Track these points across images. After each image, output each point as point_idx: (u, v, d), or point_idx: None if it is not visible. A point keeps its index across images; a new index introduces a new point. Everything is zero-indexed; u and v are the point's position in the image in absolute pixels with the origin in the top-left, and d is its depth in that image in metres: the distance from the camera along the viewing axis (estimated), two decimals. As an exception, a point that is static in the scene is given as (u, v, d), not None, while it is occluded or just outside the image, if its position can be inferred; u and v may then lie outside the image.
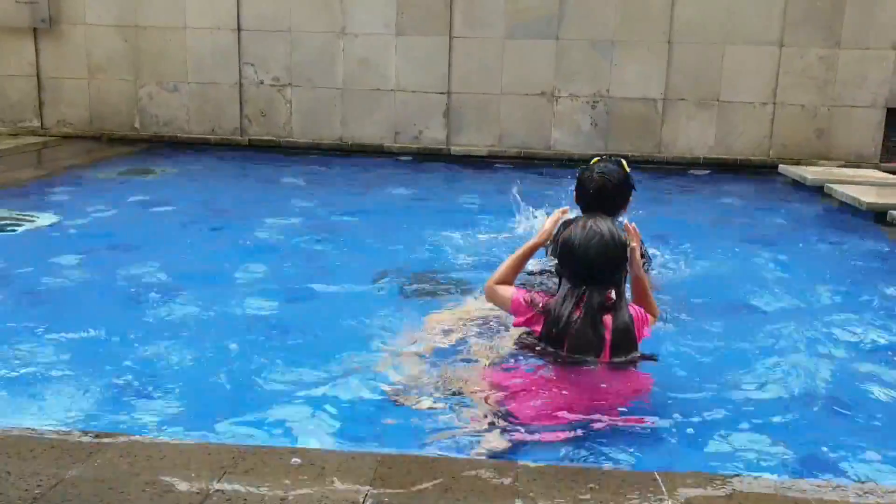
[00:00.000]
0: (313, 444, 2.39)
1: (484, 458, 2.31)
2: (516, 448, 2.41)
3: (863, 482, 2.24)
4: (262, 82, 8.39)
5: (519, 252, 2.99)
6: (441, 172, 7.62)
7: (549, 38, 7.97)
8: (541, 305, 2.78)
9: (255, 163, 7.72)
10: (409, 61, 8.18)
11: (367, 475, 2.06)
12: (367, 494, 1.97)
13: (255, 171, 7.36)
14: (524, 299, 2.82)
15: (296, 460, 2.12)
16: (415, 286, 3.97)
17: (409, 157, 8.13)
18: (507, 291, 2.88)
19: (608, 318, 2.71)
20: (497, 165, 7.95)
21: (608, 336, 2.70)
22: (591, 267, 2.69)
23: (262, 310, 3.63)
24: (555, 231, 3.10)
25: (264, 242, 4.89)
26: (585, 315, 2.70)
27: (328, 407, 2.65)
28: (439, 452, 2.33)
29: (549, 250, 3.48)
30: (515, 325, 2.89)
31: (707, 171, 7.78)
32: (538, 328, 2.78)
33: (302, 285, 4.02)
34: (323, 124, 8.40)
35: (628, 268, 2.83)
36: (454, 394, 2.73)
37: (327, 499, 1.95)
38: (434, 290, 3.92)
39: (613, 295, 2.72)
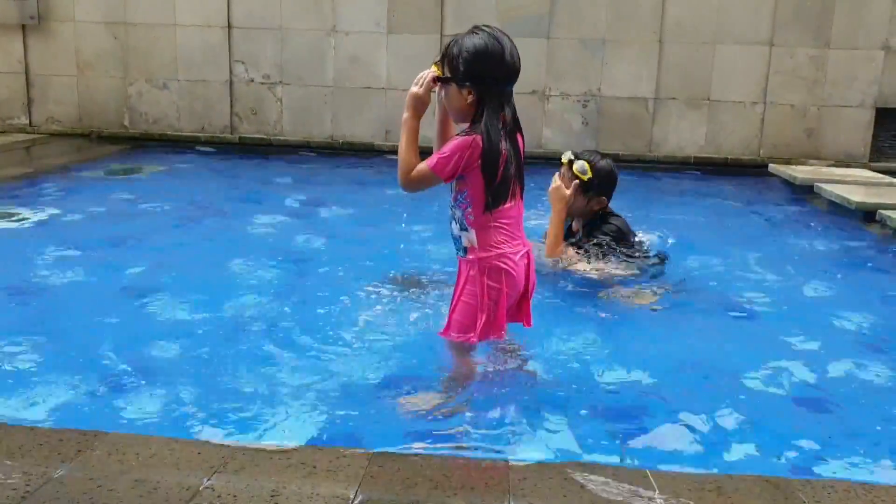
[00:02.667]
0: (303, 442, 2.37)
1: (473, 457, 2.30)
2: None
3: (854, 481, 2.25)
4: (252, 80, 8.36)
5: (407, 128, 2.83)
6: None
7: (540, 36, 7.97)
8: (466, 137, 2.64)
9: (245, 161, 7.70)
10: (400, 59, 8.17)
11: (358, 474, 2.05)
12: (356, 492, 1.96)
13: (246, 170, 7.33)
14: (442, 152, 2.67)
15: (286, 458, 2.11)
16: (407, 285, 3.96)
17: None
18: (421, 164, 2.71)
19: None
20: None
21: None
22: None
23: (253, 308, 3.61)
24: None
25: (255, 240, 4.87)
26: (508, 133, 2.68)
27: (319, 405, 2.65)
28: (430, 450, 2.32)
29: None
30: (447, 181, 2.70)
31: (697, 171, 7.81)
32: (476, 179, 2.64)
33: (293, 283, 4.01)
34: (313, 122, 8.38)
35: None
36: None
37: (318, 496, 1.94)
38: (427, 288, 3.91)
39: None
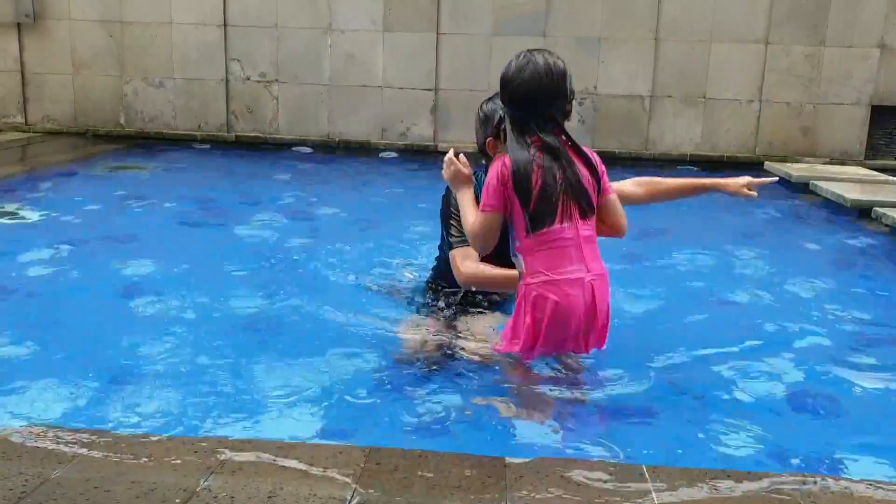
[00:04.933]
0: (301, 439, 2.38)
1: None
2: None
3: (848, 478, 2.25)
4: (248, 78, 8.35)
5: (463, 199, 2.80)
6: (429, 169, 7.60)
7: (536, 35, 7.97)
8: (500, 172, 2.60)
9: (241, 159, 7.69)
10: (396, 58, 8.17)
11: (355, 471, 2.06)
12: (354, 491, 1.97)
13: (242, 168, 7.33)
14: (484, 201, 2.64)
15: (283, 458, 2.11)
16: (403, 283, 3.96)
17: (397, 154, 8.13)
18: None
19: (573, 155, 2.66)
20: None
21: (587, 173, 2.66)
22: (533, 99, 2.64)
23: (250, 306, 3.61)
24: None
25: (252, 238, 4.87)
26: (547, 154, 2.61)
27: (315, 402, 2.65)
28: (427, 447, 2.32)
29: None
30: (505, 211, 2.63)
31: (694, 168, 7.81)
32: (514, 202, 2.60)
33: (289, 281, 4.01)
34: (310, 121, 8.37)
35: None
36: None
37: (315, 496, 1.94)
38: (420, 288, 3.91)
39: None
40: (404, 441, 2.39)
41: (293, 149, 8.18)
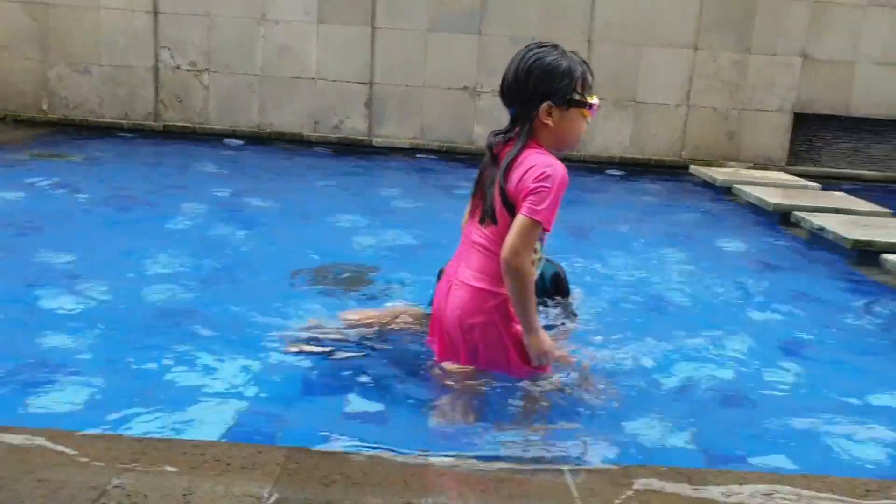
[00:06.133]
0: (218, 439, 2.33)
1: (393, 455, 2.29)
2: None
3: (763, 471, 2.32)
4: (178, 67, 8.16)
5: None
6: (362, 163, 7.56)
7: (472, 32, 8.00)
8: None
9: (169, 149, 7.51)
10: (330, 50, 8.09)
11: (274, 471, 2.02)
12: (272, 490, 1.93)
13: (170, 158, 7.16)
14: None
15: (199, 455, 2.06)
16: (332, 278, 3.92)
17: (330, 147, 8.05)
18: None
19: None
20: (420, 158, 7.94)
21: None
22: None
23: (172, 300, 3.52)
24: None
25: (177, 231, 4.75)
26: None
27: (235, 401, 2.59)
28: (350, 447, 2.30)
29: None
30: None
31: (622, 170, 7.96)
32: None
33: (215, 276, 3.93)
34: (241, 111, 8.23)
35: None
36: None
37: (231, 495, 1.90)
38: (352, 282, 3.88)
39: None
40: (327, 441, 2.35)
41: (224, 140, 8.02)
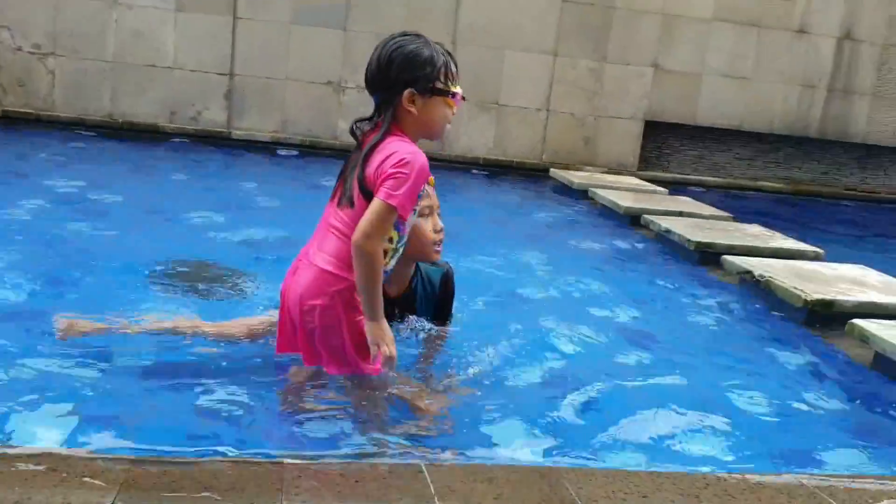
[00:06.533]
0: (56, 446, 2.18)
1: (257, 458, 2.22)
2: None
3: (615, 469, 2.40)
4: (20, 48, 7.62)
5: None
6: (220, 156, 7.32)
7: (337, 27, 7.92)
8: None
9: (9, 137, 7.00)
10: (188, 38, 7.79)
11: (118, 478, 1.91)
12: (116, 496, 1.82)
13: (8, 146, 6.67)
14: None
15: (33, 465, 1.92)
16: (184, 276, 3.77)
17: (186, 139, 7.75)
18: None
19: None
20: (281, 152, 7.79)
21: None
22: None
23: (8, 299, 3.27)
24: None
25: (16, 225, 4.42)
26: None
27: (74, 408, 2.42)
28: (202, 453, 2.21)
29: None
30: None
31: (485, 172, 8.10)
32: None
33: (55, 273, 3.67)
34: (90, 99, 7.78)
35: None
36: None
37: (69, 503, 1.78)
38: (206, 281, 3.75)
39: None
40: (176, 446, 2.25)
41: (72, 128, 7.56)
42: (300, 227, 4.31)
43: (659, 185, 7.80)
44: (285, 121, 8.06)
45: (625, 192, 7.07)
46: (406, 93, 2.55)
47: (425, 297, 3.08)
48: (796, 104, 9.00)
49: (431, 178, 2.82)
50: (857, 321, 3.63)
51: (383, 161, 2.48)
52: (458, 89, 2.64)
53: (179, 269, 3.88)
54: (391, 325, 2.63)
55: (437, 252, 2.99)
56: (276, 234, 4.74)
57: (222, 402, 2.55)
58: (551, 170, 8.18)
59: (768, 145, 9.23)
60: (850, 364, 3.61)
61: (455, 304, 3.24)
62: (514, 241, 5.32)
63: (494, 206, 6.63)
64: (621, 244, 5.66)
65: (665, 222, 5.66)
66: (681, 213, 6.19)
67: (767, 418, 2.96)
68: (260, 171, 6.97)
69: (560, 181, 7.78)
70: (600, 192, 6.91)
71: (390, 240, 2.57)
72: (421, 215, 2.86)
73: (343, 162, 2.68)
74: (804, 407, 3.08)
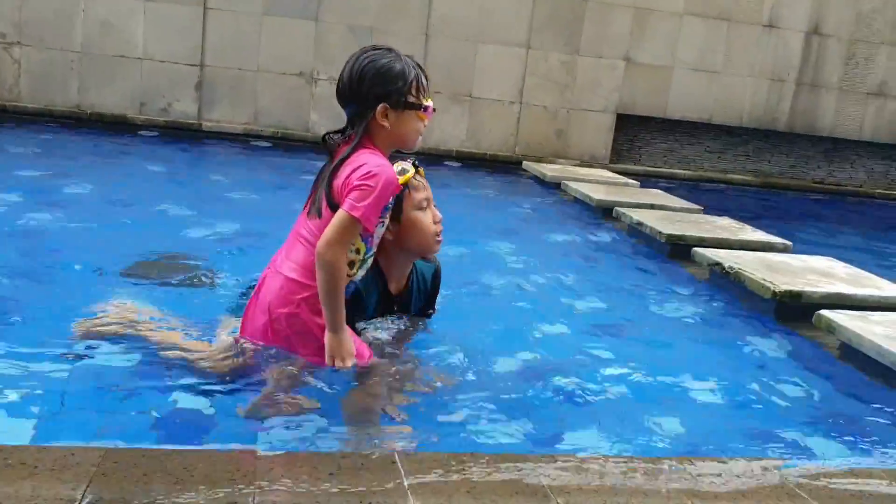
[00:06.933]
0: (24, 441, 2.15)
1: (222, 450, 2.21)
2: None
3: (587, 455, 2.42)
4: (-16, 37, 7.49)
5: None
6: (191, 148, 7.25)
7: (308, 18, 7.87)
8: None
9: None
10: (158, 29, 7.70)
11: (88, 471, 1.89)
12: (87, 490, 1.81)
13: (-27, 137, 6.56)
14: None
15: (2, 459, 1.90)
16: (153, 271, 3.73)
17: (156, 131, 7.67)
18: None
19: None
20: (253, 144, 7.73)
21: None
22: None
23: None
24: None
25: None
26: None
27: (43, 403, 2.40)
28: (172, 443, 2.20)
29: None
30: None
31: (459, 164, 8.10)
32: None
33: (21, 267, 3.62)
34: (57, 89, 7.67)
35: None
36: None
37: (39, 498, 1.76)
38: (175, 275, 3.71)
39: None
40: (147, 440, 2.24)
41: (39, 119, 7.45)
42: (271, 220, 4.31)
43: (630, 178, 7.85)
44: (257, 112, 8.00)
45: (597, 184, 7.11)
46: (380, 107, 2.57)
47: (419, 293, 3.11)
48: (765, 98, 9.11)
49: (421, 169, 2.89)
50: (824, 312, 3.70)
51: (351, 173, 2.51)
52: (429, 102, 2.67)
53: (149, 261, 3.84)
54: (387, 320, 2.68)
55: (439, 242, 3.00)
56: (248, 226, 4.71)
57: (195, 394, 2.54)
58: (524, 162, 8.21)
59: (738, 138, 9.34)
60: (817, 354, 3.67)
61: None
62: (487, 233, 5.34)
63: (467, 199, 6.64)
64: (594, 236, 5.70)
65: (637, 215, 5.70)
66: (652, 206, 6.24)
67: (736, 407, 3.01)
68: (231, 163, 6.92)
69: (533, 174, 7.81)
70: (573, 184, 6.94)
71: (357, 251, 2.60)
72: (419, 208, 2.88)
73: (317, 172, 2.71)
74: (772, 396, 3.13)
